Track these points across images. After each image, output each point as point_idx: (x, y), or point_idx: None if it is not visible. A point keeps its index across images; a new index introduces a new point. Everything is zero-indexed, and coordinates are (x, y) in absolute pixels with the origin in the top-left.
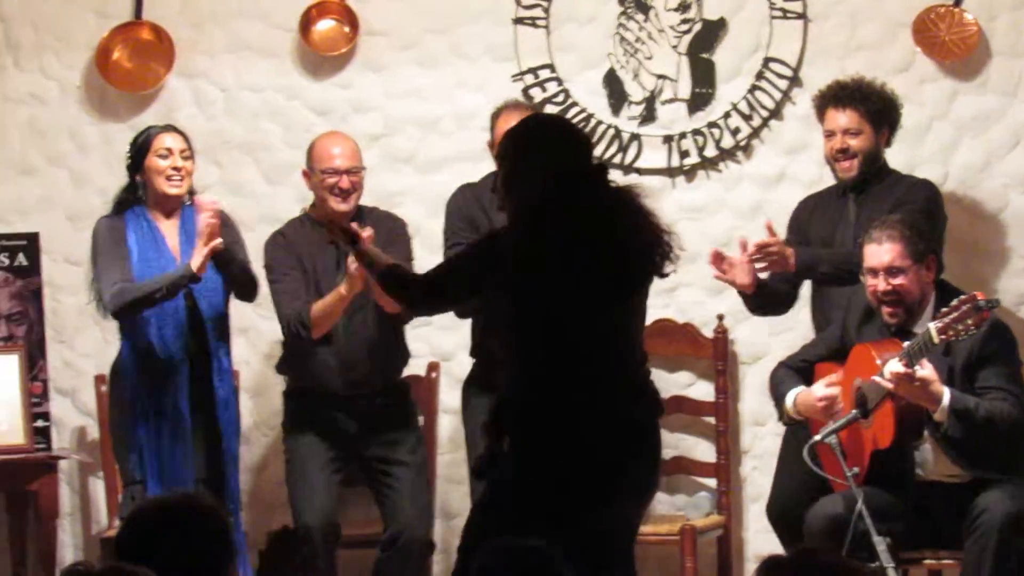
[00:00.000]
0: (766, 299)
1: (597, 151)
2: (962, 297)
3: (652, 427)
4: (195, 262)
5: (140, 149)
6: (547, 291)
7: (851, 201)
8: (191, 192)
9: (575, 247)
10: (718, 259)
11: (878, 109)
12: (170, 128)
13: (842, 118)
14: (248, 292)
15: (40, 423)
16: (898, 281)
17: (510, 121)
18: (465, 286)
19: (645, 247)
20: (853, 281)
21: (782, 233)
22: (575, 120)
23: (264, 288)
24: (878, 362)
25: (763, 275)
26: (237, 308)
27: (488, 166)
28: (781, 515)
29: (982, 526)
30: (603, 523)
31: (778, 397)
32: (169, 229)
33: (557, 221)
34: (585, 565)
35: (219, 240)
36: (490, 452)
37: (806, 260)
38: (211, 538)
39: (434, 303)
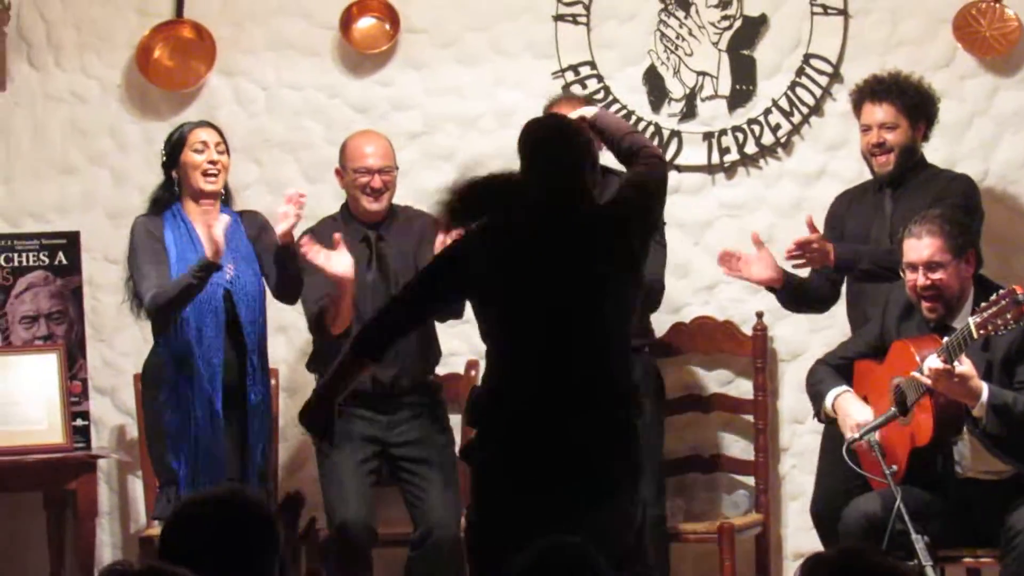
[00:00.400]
0: (803, 296)
1: None
2: (1001, 291)
3: (622, 425)
4: (209, 251)
5: (176, 145)
6: (511, 288)
7: (888, 196)
8: (226, 189)
9: (538, 246)
10: (726, 258)
11: (915, 103)
12: (204, 123)
13: (879, 112)
14: (292, 294)
15: (79, 422)
16: (937, 276)
17: (561, 109)
18: (437, 293)
19: (610, 243)
20: (893, 278)
21: (816, 223)
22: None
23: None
24: (917, 359)
25: (803, 272)
26: (277, 307)
27: None
28: (824, 513)
29: (1018, 548)
30: (578, 522)
31: (816, 395)
32: (207, 229)
33: (522, 222)
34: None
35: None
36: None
37: (846, 256)
38: (257, 531)
39: (418, 322)
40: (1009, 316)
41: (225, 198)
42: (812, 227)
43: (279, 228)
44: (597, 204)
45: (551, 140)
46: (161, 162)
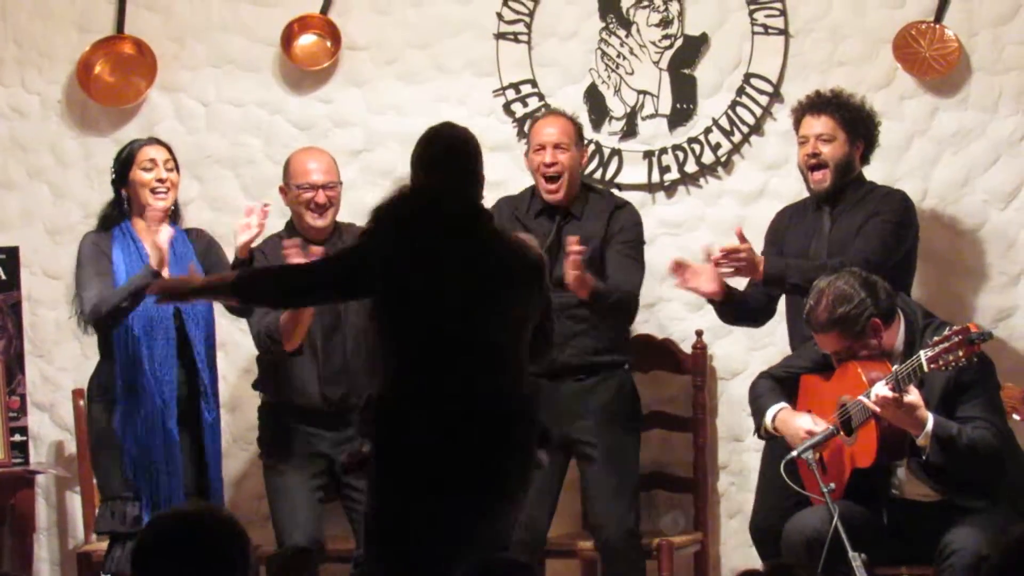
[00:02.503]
0: (741, 309)
1: None
2: (955, 328)
3: (512, 442)
4: (154, 260)
5: (125, 163)
6: (410, 298)
7: (826, 214)
8: (176, 205)
9: (439, 258)
10: (679, 268)
11: (853, 118)
12: (153, 140)
13: (816, 124)
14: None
15: (17, 437)
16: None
17: (543, 128)
18: (333, 287)
19: (511, 262)
20: None
21: (755, 241)
22: None
23: None
24: (864, 379)
25: (730, 280)
26: (217, 323)
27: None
28: (764, 529)
29: (952, 567)
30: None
31: (757, 410)
32: (155, 248)
33: (423, 231)
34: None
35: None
36: (359, 451)
37: (774, 270)
38: (230, 549)
39: (301, 298)
40: (960, 353)
41: (174, 215)
42: (741, 237)
43: (240, 239)
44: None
45: (461, 151)
46: (111, 179)
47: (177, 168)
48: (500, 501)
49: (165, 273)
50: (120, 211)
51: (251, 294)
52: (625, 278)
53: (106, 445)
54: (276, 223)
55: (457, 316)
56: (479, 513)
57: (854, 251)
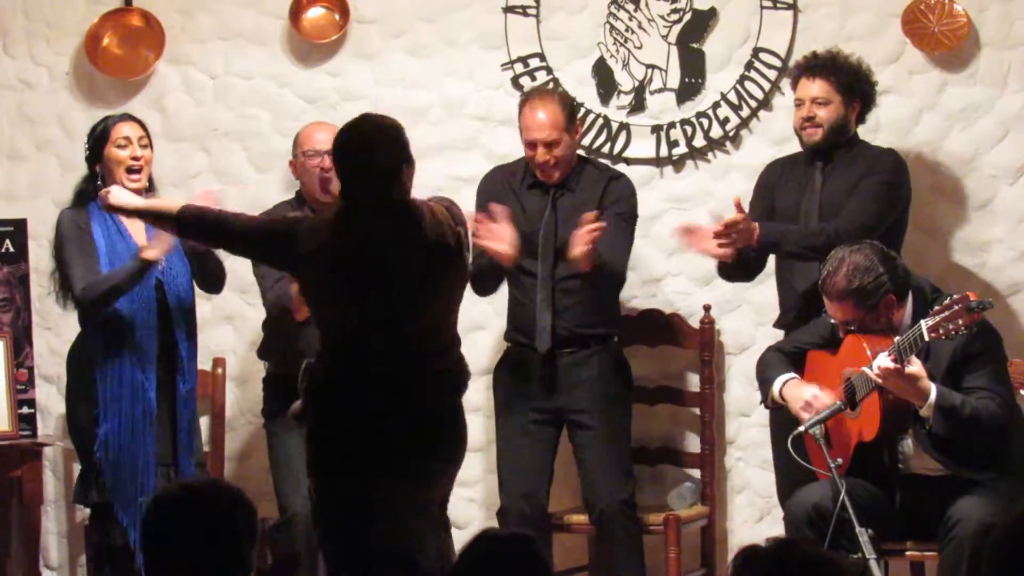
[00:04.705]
0: (738, 266)
1: (586, 140)
2: (955, 296)
3: (439, 414)
4: (150, 253)
5: (99, 139)
6: (329, 296)
7: (818, 170)
8: (150, 181)
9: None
10: (688, 232)
11: (849, 81)
12: (127, 117)
13: (812, 87)
14: (215, 285)
15: (25, 410)
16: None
17: (532, 121)
18: (262, 256)
19: (435, 243)
20: (818, 259)
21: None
22: None
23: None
24: (869, 354)
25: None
26: (224, 296)
27: (478, 154)
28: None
29: (956, 537)
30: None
31: (764, 380)
32: (134, 220)
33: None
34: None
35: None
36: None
37: (770, 237)
38: (237, 520)
39: (233, 249)
40: (961, 322)
41: (148, 191)
42: (739, 208)
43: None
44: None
45: (370, 146)
46: (84, 156)
47: (151, 144)
48: (429, 468)
49: (145, 246)
50: (95, 187)
51: (190, 231)
52: (615, 250)
53: (86, 415)
54: (280, 195)
55: (376, 320)
56: (412, 480)
57: (847, 213)
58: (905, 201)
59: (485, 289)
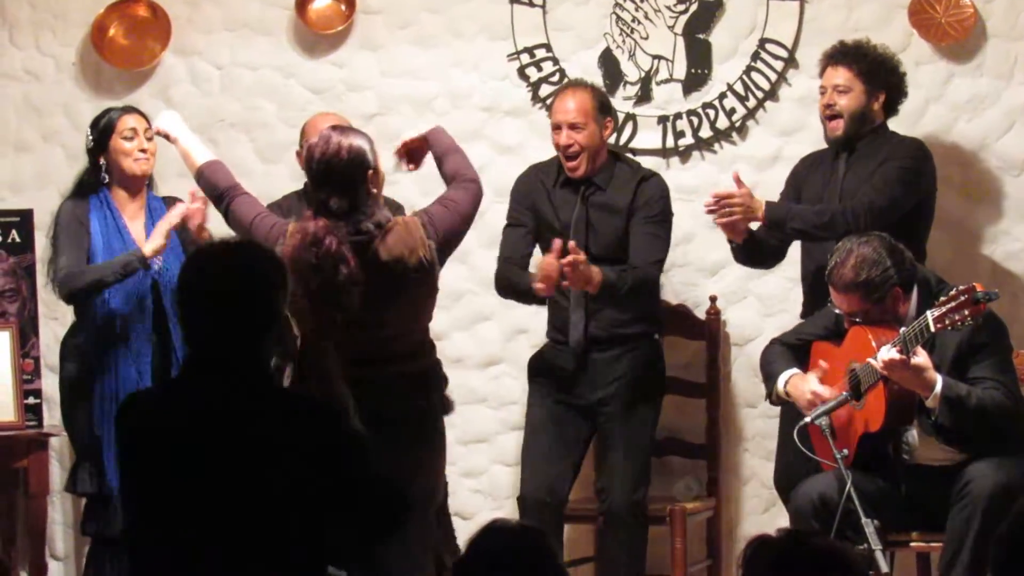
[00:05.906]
0: (758, 250)
1: None
2: (961, 287)
3: (404, 416)
4: (148, 248)
5: (104, 131)
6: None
7: (843, 161)
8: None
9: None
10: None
11: (870, 68)
12: (131, 109)
13: (835, 75)
14: None
15: (31, 400)
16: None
17: (560, 105)
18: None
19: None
20: (827, 238)
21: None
22: None
23: None
24: (874, 345)
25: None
26: None
27: (484, 145)
28: (786, 486)
29: (969, 494)
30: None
31: (768, 375)
32: (134, 214)
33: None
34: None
35: (174, 219)
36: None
37: (776, 215)
38: (270, 273)
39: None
40: (967, 312)
41: (149, 183)
42: (738, 182)
43: (194, 223)
44: (387, 218)
45: (338, 164)
46: (87, 147)
47: (154, 137)
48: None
49: (143, 242)
50: (98, 179)
51: (204, 185)
52: (646, 254)
53: (81, 405)
54: (287, 186)
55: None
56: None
57: (860, 194)
58: (925, 191)
59: (508, 298)
